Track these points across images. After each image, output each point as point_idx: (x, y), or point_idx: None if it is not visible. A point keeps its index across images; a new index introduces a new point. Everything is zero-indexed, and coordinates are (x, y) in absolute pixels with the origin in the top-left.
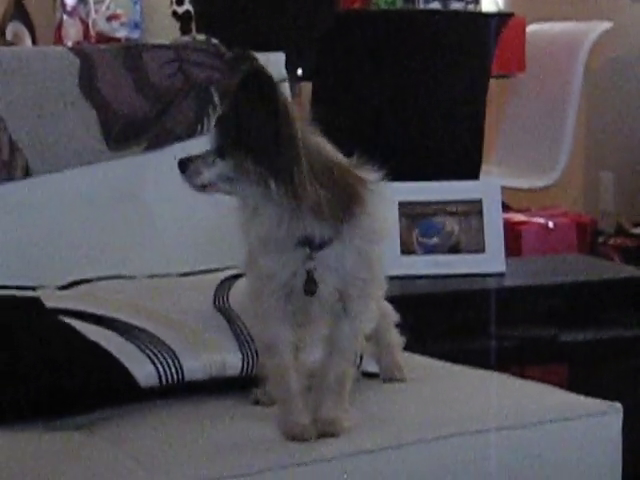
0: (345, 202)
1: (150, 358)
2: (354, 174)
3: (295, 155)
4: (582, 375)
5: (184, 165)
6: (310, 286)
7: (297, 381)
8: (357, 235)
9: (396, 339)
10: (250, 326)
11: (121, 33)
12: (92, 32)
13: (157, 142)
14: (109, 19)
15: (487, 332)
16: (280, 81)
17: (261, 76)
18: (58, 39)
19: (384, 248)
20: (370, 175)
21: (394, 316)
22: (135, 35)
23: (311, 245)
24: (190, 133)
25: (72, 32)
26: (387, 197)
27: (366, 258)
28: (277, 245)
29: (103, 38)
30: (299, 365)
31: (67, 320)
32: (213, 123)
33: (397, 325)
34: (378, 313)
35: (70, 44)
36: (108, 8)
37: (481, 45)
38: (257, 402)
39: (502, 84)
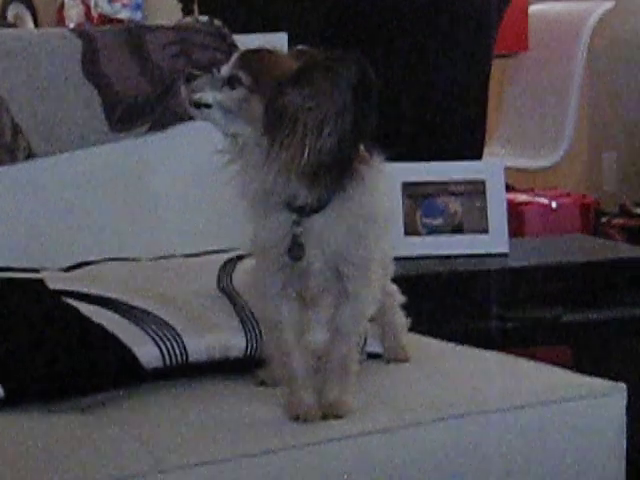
0: (338, 172)
1: (154, 339)
2: (355, 149)
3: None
4: (586, 355)
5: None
6: (295, 251)
7: (301, 361)
8: (349, 209)
9: (401, 320)
10: (253, 305)
11: (123, 14)
12: (94, 13)
13: (160, 124)
14: (111, 0)
15: (491, 312)
16: None
17: (367, 78)
18: (60, 20)
19: (388, 229)
20: (372, 154)
21: (400, 297)
22: (137, 16)
23: (299, 211)
24: None
25: (74, 13)
26: (389, 177)
27: (360, 236)
28: (264, 205)
29: (105, 19)
30: (304, 346)
31: (71, 302)
32: (238, 55)
33: (402, 306)
34: (380, 295)
35: (72, 25)
36: None
37: (484, 24)
38: (261, 383)
39: (505, 64)
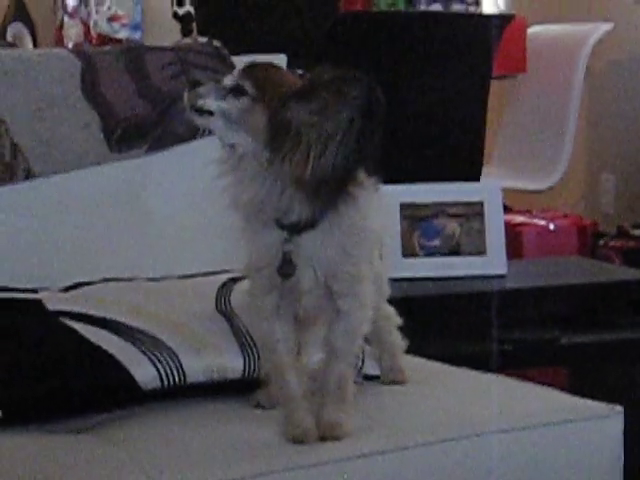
0: (334, 190)
1: (152, 360)
2: (356, 169)
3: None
4: (583, 378)
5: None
6: (285, 269)
7: (298, 382)
8: (339, 228)
9: (398, 342)
10: (250, 326)
11: (122, 34)
12: (93, 33)
13: (159, 144)
14: (110, 20)
15: (488, 334)
16: None
17: (375, 99)
18: (59, 40)
19: (381, 249)
20: (367, 176)
21: (397, 319)
22: (136, 36)
23: (290, 228)
24: (192, 135)
25: (73, 33)
26: (387, 198)
27: (350, 254)
28: (255, 220)
29: (104, 39)
30: (301, 367)
31: (69, 322)
32: (243, 67)
33: (399, 328)
34: (372, 314)
35: (71, 45)
36: (109, 9)
37: (482, 46)
38: (258, 405)
39: (503, 85)
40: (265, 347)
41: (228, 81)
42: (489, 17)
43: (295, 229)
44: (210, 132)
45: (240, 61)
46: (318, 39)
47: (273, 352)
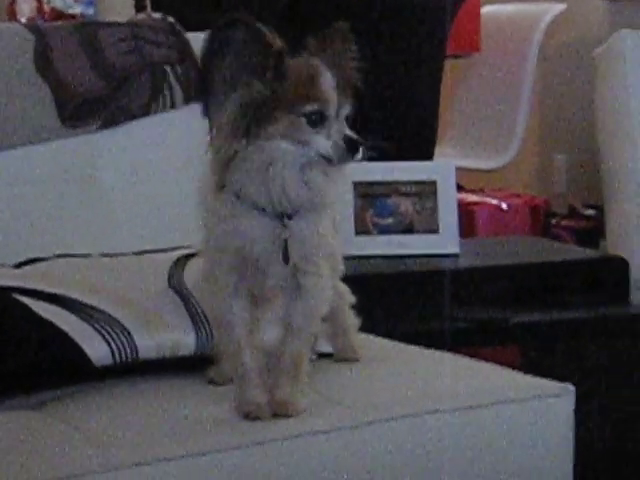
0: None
1: (104, 337)
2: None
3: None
4: (535, 357)
5: None
6: (286, 254)
7: (253, 359)
8: (319, 213)
9: (351, 320)
10: (205, 304)
11: (75, 9)
12: (46, 8)
13: (112, 120)
14: None
15: (441, 313)
16: None
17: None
18: (11, 15)
19: (339, 227)
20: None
21: (350, 297)
22: (89, 11)
23: (280, 216)
24: (145, 111)
25: (25, 8)
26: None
27: (321, 233)
28: (247, 206)
29: (57, 14)
30: (256, 345)
31: (21, 298)
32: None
33: (352, 306)
34: (332, 293)
35: (24, 20)
36: None
37: (436, 25)
38: (211, 381)
39: (457, 65)
40: (222, 325)
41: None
42: None
43: (284, 216)
44: (163, 109)
45: (194, 37)
46: (273, 14)
47: (231, 330)
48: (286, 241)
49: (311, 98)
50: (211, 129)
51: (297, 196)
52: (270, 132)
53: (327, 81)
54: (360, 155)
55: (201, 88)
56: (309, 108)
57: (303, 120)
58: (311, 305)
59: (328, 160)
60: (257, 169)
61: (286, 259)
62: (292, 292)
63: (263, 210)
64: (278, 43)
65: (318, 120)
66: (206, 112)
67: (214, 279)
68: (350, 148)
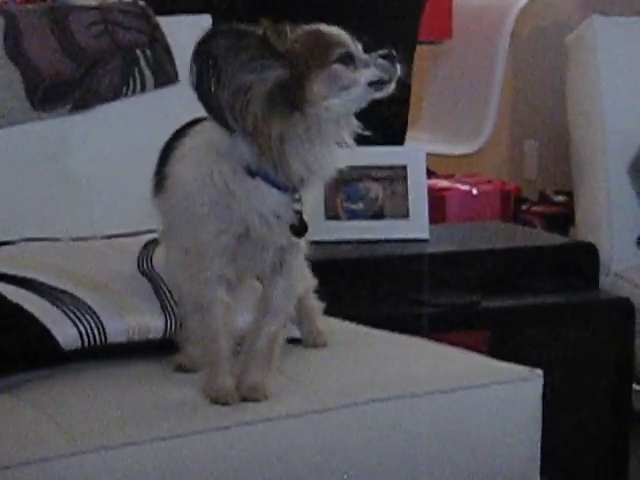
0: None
1: (72, 320)
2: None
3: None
4: (504, 341)
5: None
6: (299, 226)
7: (227, 344)
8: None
9: (315, 304)
10: (177, 289)
11: None
12: None
13: (83, 103)
14: None
15: (410, 298)
16: None
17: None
18: None
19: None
20: None
21: (312, 281)
22: None
23: (287, 189)
24: (116, 95)
25: None
26: None
27: (310, 204)
28: (267, 181)
29: None
30: (229, 329)
31: None
32: None
33: (316, 290)
34: (305, 273)
35: None
36: None
37: (408, 10)
38: (179, 368)
39: (428, 51)
40: (201, 310)
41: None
42: None
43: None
44: (133, 92)
45: (164, 21)
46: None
47: (210, 315)
48: (300, 212)
49: (333, 45)
50: (245, 132)
51: (326, 162)
52: (313, 95)
53: (335, 30)
54: (399, 68)
55: (208, 107)
56: (337, 52)
57: (338, 66)
58: (292, 284)
59: (379, 84)
60: (304, 137)
61: (300, 231)
62: (274, 271)
63: (276, 184)
64: (259, 29)
65: (350, 59)
66: (220, 120)
67: (197, 264)
68: (391, 61)
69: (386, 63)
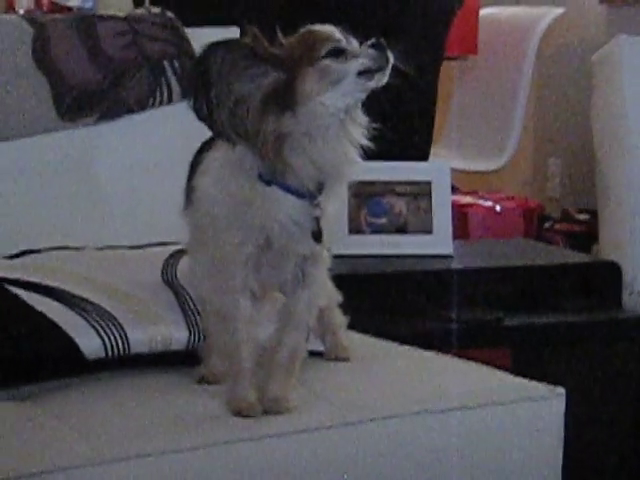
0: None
1: (96, 330)
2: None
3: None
4: (526, 359)
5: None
6: (317, 233)
7: (250, 356)
8: (337, 193)
9: (339, 319)
10: (204, 300)
11: (73, 2)
12: (44, 0)
13: (109, 114)
14: None
15: (433, 313)
16: None
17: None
18: (9, 6)
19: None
20: None
21: (337, 296)
22: (87, 5)
23: (307, 195)
24: (143, 105)
25: (24, 0)
26: None
27: (331, 214)
28: (284, 189)
29: (55, 7)
30: (252, 340)
31: (13, 290)
32: None
33: (340, 305)
34: (328, 287)
35: (22, 11)
36: None
37: (435, 26)
38: (202, 379)
39: (454, 66)
40: (226, 321)
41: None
42: None
43: (311, 195)
44: (160, 103)
45: (193, 33)
46: (271, 11)
47: (234, 326)
48: (318, 219)
49: (322, 41)
50: (245, 141)
51: (335, 159)
52: (304, 94)
53: (325, 27)
54: (392, 56)
55: (209, 125)
56: (326, 47)
57: (327, 61)
58: (314, 296)
59: (369, 74)
60: (303, 135)
61: (317, 237)
62: (296, 282)
63: (292, 191)
64: (248, 38)
65: (340, 53)
66: (223, 135)
67: (222, 275)
68: (381, 51)
69: (375, 52)
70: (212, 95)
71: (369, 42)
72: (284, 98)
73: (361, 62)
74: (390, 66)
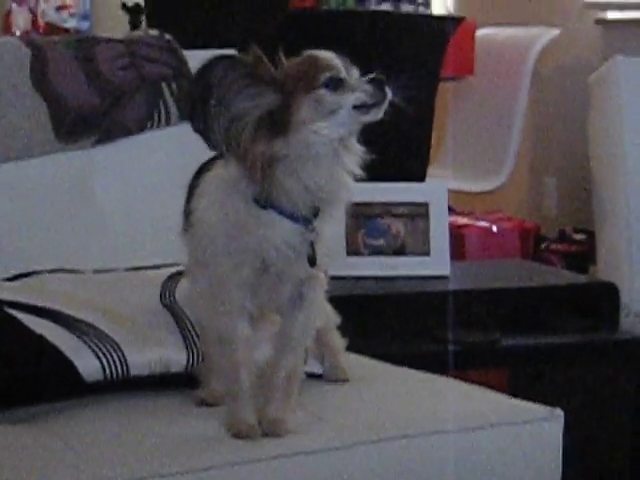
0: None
1: (95, 352)
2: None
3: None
4: (523, 380)
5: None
6: (312, 257)
7: (248, 378)
8: (332, 216)
9: (338, 341)
10: (202, 322)
11: (70, 24)
12: (41, 22)
13: (107, 136)
14: (58, 9)
15: (430, 335)
16: None
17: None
18: (6, 28)
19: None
20: None
21: (335, 318)
22: (84, 26)
23: (302, 219)
24: (141, 128)
25: (21, 21)
26: None
27: (327, 236)
28: (279, 212)
29: (52, 28)
30: (250, 362)
31: (12, 312)
32: None
33: (339, 327)
34: (326, 309)
35: (18, 33)
36: None
37: (432, 47)
38: (201, 402)
39: (450, 87)
40: (224, 343)
41: None
42: (440, 18)
43: (306, 219)
44: (158, 125)
45: (190, 55)
46: (268, 35)
47: (232, 349)
48: (312, 243)
49: (321, 70)
50: (237, 159)
51: (327, 185)
52: (297, 121)
53: (327, 55)
54: (389, 93)
55: (200, 134)
56: (324, 77)
57: (324, 91)
58: (311, 318)
59: (365, 109)
60: (294, 160)
61: (312, 261)
62: (293, 304)
63: (287, 215)
64: (250, 57)
65: (337, 84)
66: (216, 149)
67: (220, 297)
68: (379, 86)
69: (372, 87)
70: (209, 107)
71: (368, 76)
72: (278, 122)
73: (357, 96)
74: (387, 102)
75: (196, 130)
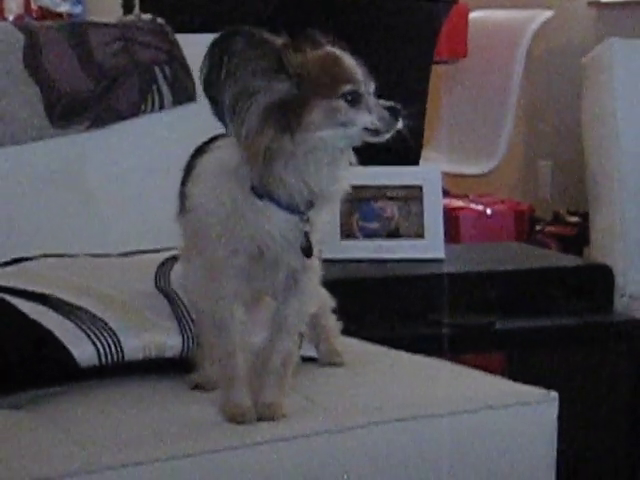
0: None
1: (90, 337)
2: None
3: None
4: (519, 363)
5: None
6: (307, 248)
7: (243, 362)
8: (330, 205)
9: (333, 324)
10: (197, 307)
11: (63, 8)
12: (33, 6)
13: (101, 120)
14: None
15: (425, 318)
16: None
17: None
18: None
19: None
20: None
21: (330, 301)
22: (77, 10)
23: (297, 209)
24: (134, 112)
25: (13, 6)
26: None
27: (324, 224)
28: (275, 203)
29: (44, 13)
30: (245, 347)
31: (7, 297)
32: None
33: (334, 310)
34: (321, 293)
35: (11, 18)
36: None
37: (425, 30)
38: (197, 387)
39: (443, 70)
40: (220, 328)
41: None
42: (435, 1)
43: (301, 209)
44: (151, 110)
45: (183, 39)
46: (262, 19)
47: (228, 334)
48: (307, 234)
49: (344, 80)
50: (238, 138)
51: (326, 185)
52: (308, 123)
53: (351, 62)
54: (401, 124)
55: (211, 100)
56: (345, 89)
57: (342, 102)
58: (305, 303)
59: (375, 132)
60: (298, 159)
61: (307, 252)
62: (287, 290)
63: (283, 207)
64: (279, 41)
65: (356, 99)
66: (221, 119)
67: (215, 282)
68: (394, 115)
69: (388, 116)
70: (223, 73)
71: (387, 103)
72: (286, 116)
73: (372, 120)
74: (395, 129)
75: (205, 90)
